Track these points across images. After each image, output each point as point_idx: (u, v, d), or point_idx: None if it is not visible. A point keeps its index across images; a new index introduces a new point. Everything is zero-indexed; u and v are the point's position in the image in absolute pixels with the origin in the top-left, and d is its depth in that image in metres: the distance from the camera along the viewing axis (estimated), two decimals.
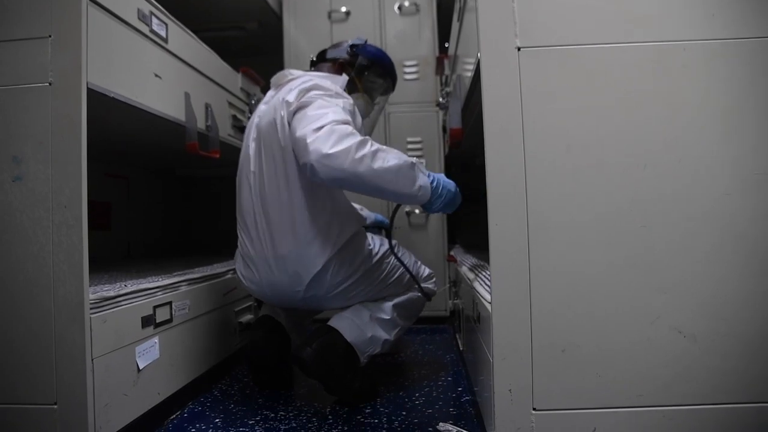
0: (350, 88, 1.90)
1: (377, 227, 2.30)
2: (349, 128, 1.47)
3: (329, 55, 1.97)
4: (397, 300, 1.83)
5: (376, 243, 1.82)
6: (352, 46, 1.95)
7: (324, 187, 1.63)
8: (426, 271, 2.01)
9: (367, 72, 1.94)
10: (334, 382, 1.64)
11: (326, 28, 2.90)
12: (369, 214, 2.28)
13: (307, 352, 1.61)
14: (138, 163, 2.75)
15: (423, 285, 1.92)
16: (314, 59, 2.02)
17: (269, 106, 1.73)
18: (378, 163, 1.44)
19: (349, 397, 1.67)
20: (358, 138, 1.45)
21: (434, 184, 1.57)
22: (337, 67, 1.92)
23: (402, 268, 1.85)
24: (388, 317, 1.78)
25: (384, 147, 1.50)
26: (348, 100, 1.66)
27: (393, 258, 1.83)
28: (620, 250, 1.16)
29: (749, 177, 1.14)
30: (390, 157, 1.47)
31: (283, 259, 1.64)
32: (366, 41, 1.97)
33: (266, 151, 1.68)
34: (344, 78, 1.86)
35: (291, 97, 1.63)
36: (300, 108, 1.58)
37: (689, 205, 1.15)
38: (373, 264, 1.76)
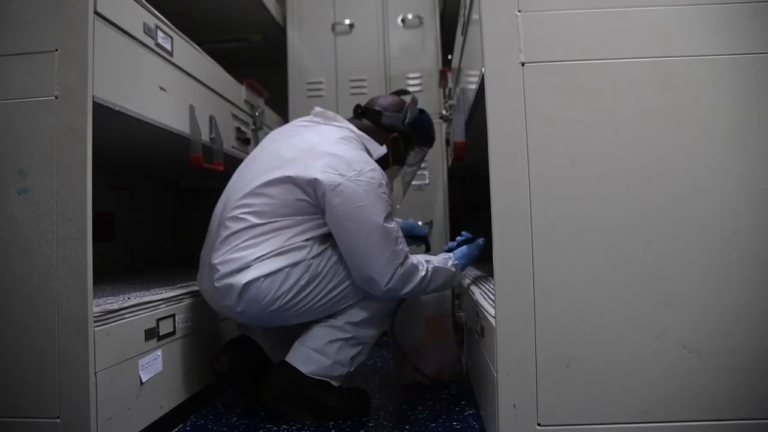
0: (392, 160, 1.79)
1: (409, 237, 2.01)
2: (410, 261, 1.58)
3: (385, 120, 1.77)
4: (355, 313, 1.64)
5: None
6: (409, 122, 1.78)
7: None
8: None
9: (415, 147, 1.84)
10: (308, 415, 1.63)
11: (330, 41, 2.91)
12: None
13: (267, 398, 1.63)
14: (142, 175, 2.75)
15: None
16: (361, 110, 1.82)
17: (298, 141, 1.64)
18: (432, 285, 1.65)
19: (335, 416, 1.64)
20: (420, 273, 1.59)
21: (462, 262, 1.76)
22: (385, 136, 1.76)
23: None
24: (349, 335, 1.63)
25: (431, 259, 1.66)
26: (379, 178, 1.55)
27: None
28: (625, 264, 1.16)
29: (754, 192, 1.14)
30: (438, 276, 1.64)
31: None
32: (418, 109, 1.82)
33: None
34: (383, 151, 1.72)
35: (318, 173, 1.51)
36: (344, 203, 1.49)
37: (694, 220, 1.15)
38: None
